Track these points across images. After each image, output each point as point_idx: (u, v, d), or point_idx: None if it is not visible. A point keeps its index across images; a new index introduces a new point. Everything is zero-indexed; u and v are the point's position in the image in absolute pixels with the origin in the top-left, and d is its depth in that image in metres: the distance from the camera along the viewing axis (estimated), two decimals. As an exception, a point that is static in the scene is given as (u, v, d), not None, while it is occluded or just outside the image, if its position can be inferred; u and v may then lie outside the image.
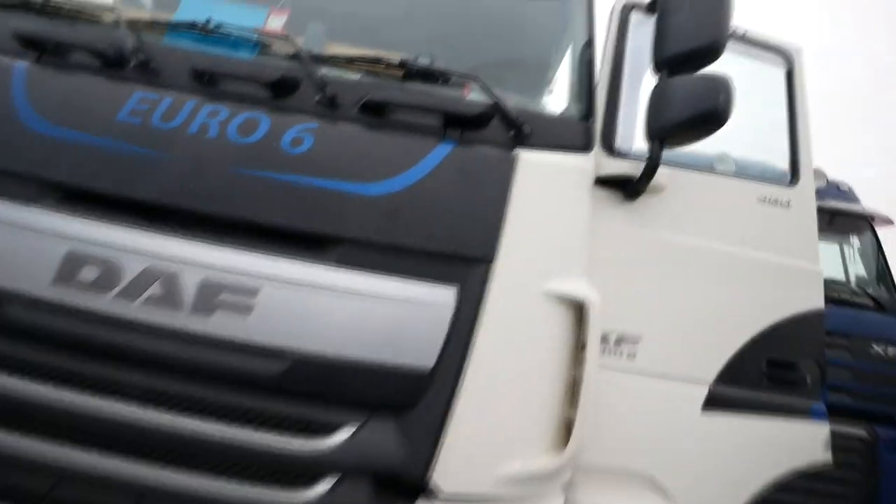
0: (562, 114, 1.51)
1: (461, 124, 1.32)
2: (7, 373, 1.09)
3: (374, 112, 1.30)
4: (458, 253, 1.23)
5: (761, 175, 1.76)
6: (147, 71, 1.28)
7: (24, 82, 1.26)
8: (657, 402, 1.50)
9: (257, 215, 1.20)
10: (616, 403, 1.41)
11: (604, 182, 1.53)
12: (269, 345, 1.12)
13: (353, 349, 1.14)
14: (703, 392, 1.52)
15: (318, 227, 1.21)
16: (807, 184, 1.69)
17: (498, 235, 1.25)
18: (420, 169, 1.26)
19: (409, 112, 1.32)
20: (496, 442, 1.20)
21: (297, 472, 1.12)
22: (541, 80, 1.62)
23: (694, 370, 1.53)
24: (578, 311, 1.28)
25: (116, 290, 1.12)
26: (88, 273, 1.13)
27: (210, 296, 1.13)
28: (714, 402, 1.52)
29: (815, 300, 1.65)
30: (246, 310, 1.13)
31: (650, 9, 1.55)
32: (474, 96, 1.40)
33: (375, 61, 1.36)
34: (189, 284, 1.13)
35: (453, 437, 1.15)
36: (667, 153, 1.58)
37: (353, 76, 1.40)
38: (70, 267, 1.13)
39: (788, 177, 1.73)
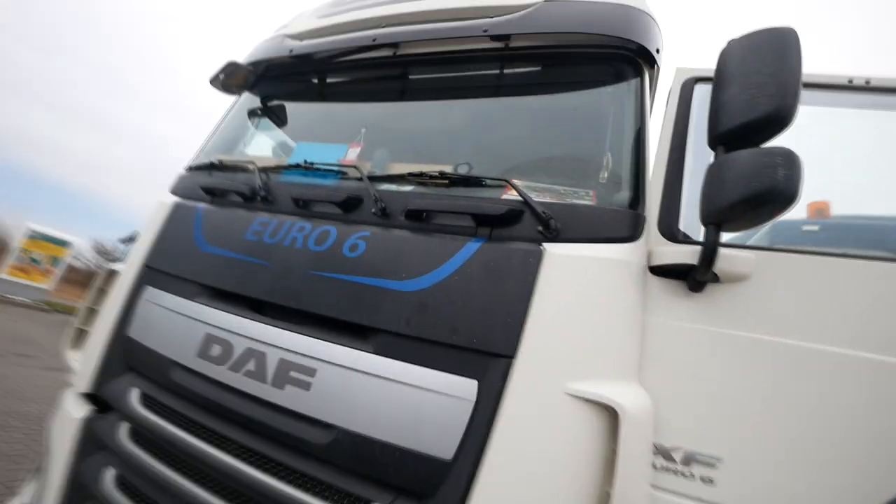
0: (602, 203, 1.46)
1: (489, 223, 1.43)
2: (165, 419, 1.56)
3: (416, 218, 1.53)
4: (479, 347, 1.28)
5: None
6: (266, 201, 1.79)
7: (201, 217, 1.90)
8: None
9: (319, 308, 1.49)
10: None
11: (668, 272, 1.39)
12: (319, 418, 1.35)
13: (384, 432, 1.27)
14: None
15: (360, 318, 1.43)
16: None
17: (519, 330, 1.27)
18: (448, 266, 1.40)
19: (444, 215, 1.50)
20: None
21: None
22: (594, 170, 1.59)
23: None
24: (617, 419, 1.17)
25: (229, 364, 1.52)
26: (215, 350, 1.57)
27: (284, 372, 1.43)
28: None
29: None
30: (307, 386, 1.39)
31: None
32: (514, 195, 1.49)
33: (421, 175, 1.59)
34: (272, 362, 1.46)
35: None
36: (796, 223, 1.34)
37: (407, 189, 1.66)
38: (206, 345, 1.59)
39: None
